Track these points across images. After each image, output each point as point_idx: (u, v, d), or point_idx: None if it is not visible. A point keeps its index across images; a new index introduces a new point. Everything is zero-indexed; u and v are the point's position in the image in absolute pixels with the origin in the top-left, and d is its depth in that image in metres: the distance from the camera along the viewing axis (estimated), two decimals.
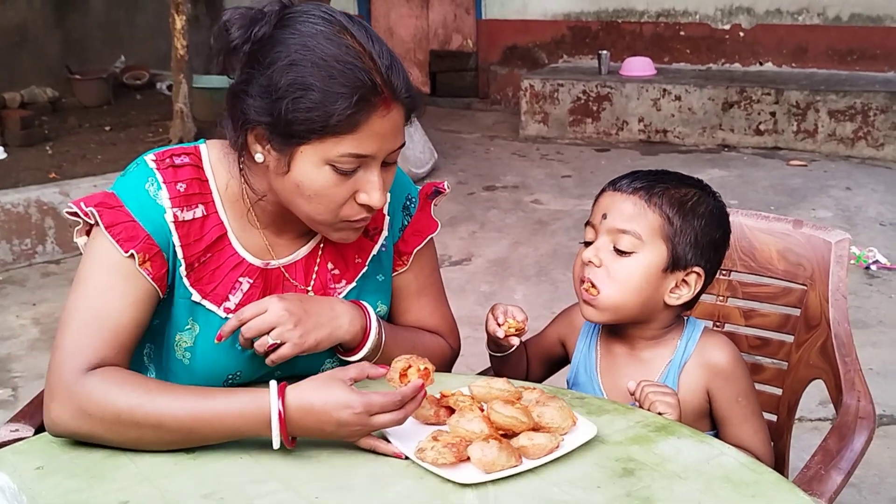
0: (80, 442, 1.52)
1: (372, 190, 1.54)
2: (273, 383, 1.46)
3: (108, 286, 1.56)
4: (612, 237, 1.73)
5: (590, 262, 1.73)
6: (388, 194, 1.77)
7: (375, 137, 1.49)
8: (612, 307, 1.73)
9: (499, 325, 1.80)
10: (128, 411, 1.47)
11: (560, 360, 2.00)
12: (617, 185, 1.77)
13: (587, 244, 1.77)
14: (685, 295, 1.76)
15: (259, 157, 1.55)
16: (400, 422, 1.46)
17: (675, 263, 1.73)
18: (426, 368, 1.52)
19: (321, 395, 1.44)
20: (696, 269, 1.75)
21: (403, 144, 1.57)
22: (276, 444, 1.45)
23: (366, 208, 1.56)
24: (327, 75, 1.46)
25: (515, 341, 1.81)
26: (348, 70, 1.46)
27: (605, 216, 1.74)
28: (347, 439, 1.48)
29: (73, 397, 1.49)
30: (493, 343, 1.87)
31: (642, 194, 1.73)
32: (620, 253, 1.72)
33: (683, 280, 1.75)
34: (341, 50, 1.47)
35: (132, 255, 1.56)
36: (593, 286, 1.73)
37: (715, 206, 1.78)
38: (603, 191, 1.79)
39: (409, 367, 1.51)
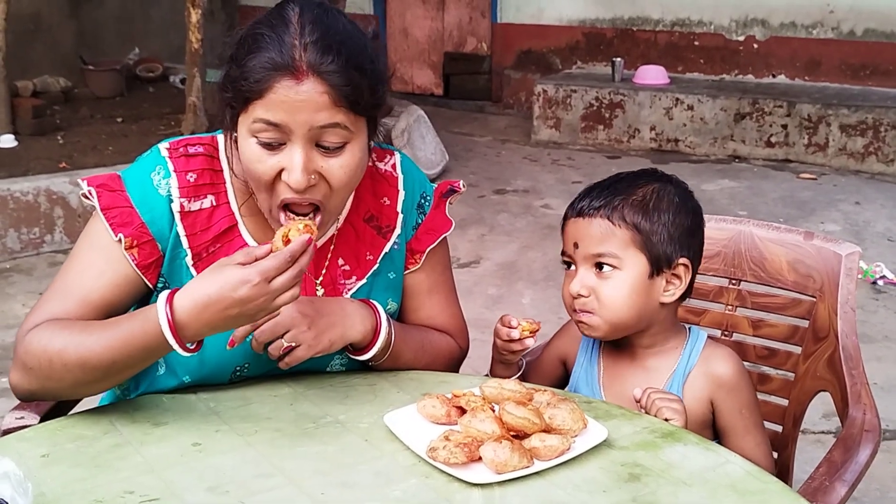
0: (86, 430, 1.52)
1: (292, 168, 1.50)
2: (164, 293, 1.44)
3: (89, 264, 1.61)
4: (590, 263, 1.73)
5: (579, 294, 1.73)
6: (401, 194, 1.78)
7: (285, 106, 1.47)
8: (609, 325, 1.74)
9: (512, 327, 1.77)
10: (57, 356, 1.49)
11: (562, 380, 1.97)
12: (578, 210, 1.76)
13: (567, 264, 1.78)
14: (678, 289, 1.76)
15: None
16: (297, 277, 1.42)
17: (657, 266, 1.73)
18: (307, 225, 1.47)
19: (214, 283, 1.41)
20: (682, 260, 1.74)
21: (340, 128, 1.50)
22: (179, 351, 1.44)
23: (292, 189, 1.52)
24: (253, 46, 1.49)
25: (531, 342, 1.77)
26: (269, 42, 1.47)
27: (576, 245, 1.74)
28: (254, 319, 1.45)
29: (18, 356, 1.54)
30: (500, 364, 1.84)
31: (604, 212, 1.72)
32: (602, 276, 1.72)
33: (673, 275, 1.75)
34: (277, 25, 1.49)
35: (119, 240, 1.58)
36: (588, 312, 1.73)
37: (676, 193, 1.77)
38: (567, 217, 1.79)
39: (290, 230, 1.47)
